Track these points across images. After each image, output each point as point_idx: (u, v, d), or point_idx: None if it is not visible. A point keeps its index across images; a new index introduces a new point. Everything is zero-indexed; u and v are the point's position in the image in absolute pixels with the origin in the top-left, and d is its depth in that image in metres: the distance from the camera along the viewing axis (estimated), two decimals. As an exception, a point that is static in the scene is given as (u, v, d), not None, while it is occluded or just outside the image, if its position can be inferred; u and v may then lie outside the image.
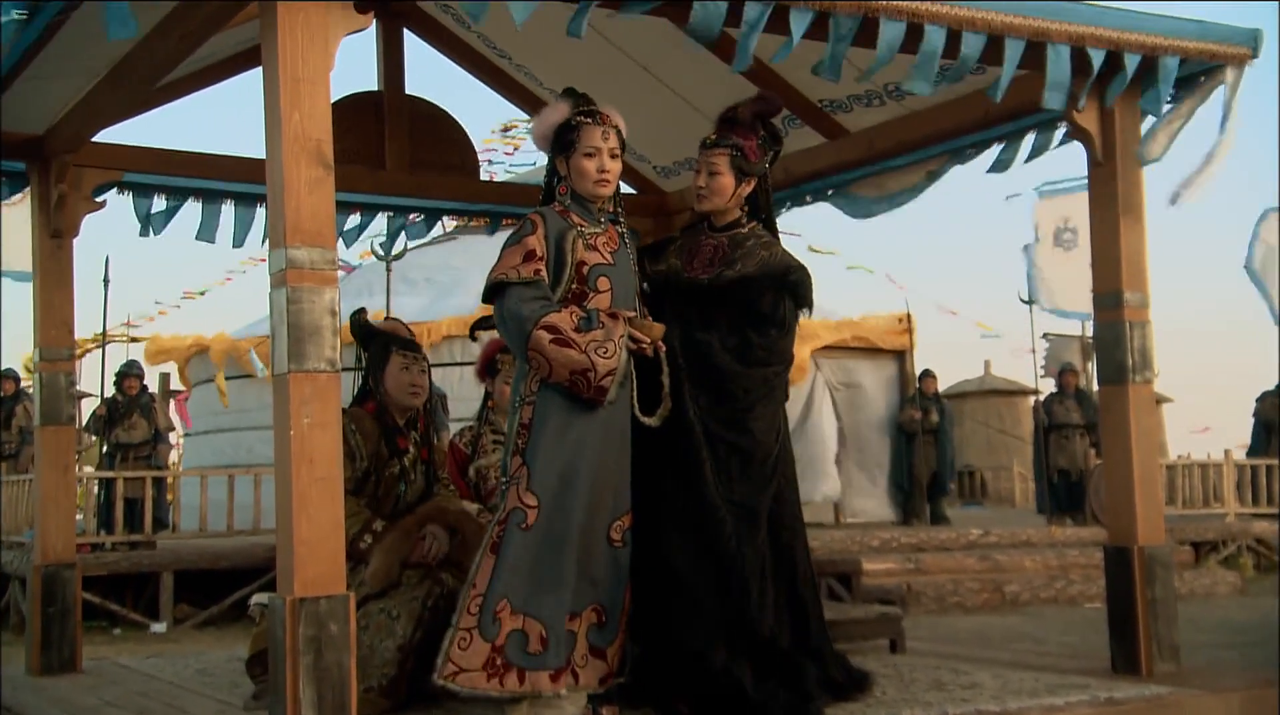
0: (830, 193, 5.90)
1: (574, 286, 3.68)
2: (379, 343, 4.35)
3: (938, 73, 3.92)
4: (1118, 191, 4.50)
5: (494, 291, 3.65)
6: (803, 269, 4.01)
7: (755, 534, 3.81)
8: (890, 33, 3.78)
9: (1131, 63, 4.19)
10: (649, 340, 3.71)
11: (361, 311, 4.43)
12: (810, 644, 3.91)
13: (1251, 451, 14.77)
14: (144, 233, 5.63)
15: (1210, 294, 44.78)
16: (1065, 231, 12.45)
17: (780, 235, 4.16)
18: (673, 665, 3.69)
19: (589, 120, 3.75)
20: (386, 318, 4.79)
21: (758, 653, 3.72)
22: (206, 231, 5.77)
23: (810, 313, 4.03)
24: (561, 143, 3.77)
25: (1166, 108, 4.43)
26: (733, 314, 3.93)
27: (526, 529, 3.55)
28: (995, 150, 5.15)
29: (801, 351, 12.69)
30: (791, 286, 3.95)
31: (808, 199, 6.02)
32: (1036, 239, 12.49)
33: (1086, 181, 4.69)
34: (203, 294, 17.11)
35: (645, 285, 4.03)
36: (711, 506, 3.74)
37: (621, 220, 3.89)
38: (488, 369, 5.02)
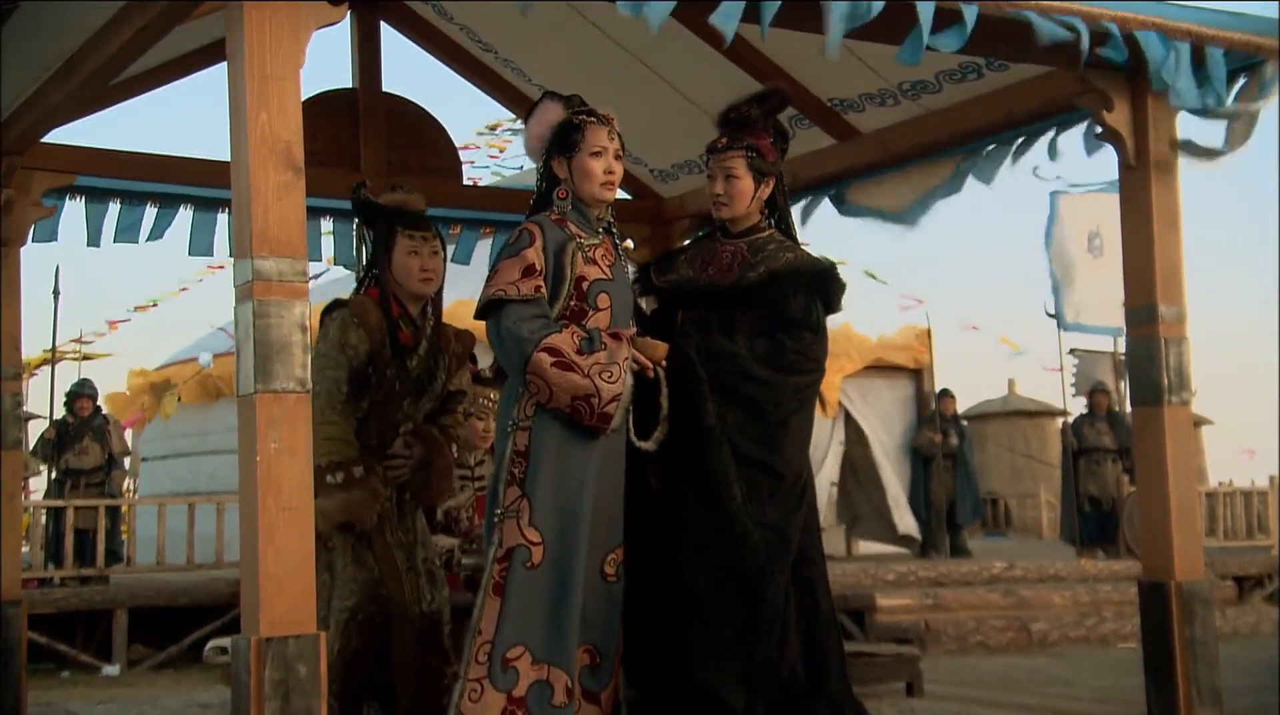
0: (843, 203, 5.88)
1: (573, 303, 3.67)
2: (384, 222, 4.08)
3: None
4: (1151, 196, 4.49)
5: (490, 308, 3.64)
6: (834, 269, 4.00)
7: (786, 561, 3.78)
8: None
9: (1181, 49, 4.16)
10: (650, 363, 3.70)
11: (362, 184, 4.23)
12: (828, 688, 3.87)
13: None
14: (92, 243, 5.64)
15: (1251, 301, 44.71)
16: (1095, 237, 12.34)
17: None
18: (683, 704, 3.66)
19: (594, 119, 3.76)
20: (393, 187, 4.34)
21: (776, 694, 3.69)
22: (157, 232, 5.78)
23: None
24: (564, 143, 3.76)
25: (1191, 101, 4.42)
26: (759, 318, 3.90)
27: (532, 568, 3.54)
28: (1017, 152, 5.16)
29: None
30: (822, 287, 3.94)
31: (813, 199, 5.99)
32: (1049, 233, 12.26)
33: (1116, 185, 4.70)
34: (155, 305, 17.05)
35: (641, 299, 4.03)
36: (742, 531, 3.71)
37: (615, 230, 3.89)
38: None
